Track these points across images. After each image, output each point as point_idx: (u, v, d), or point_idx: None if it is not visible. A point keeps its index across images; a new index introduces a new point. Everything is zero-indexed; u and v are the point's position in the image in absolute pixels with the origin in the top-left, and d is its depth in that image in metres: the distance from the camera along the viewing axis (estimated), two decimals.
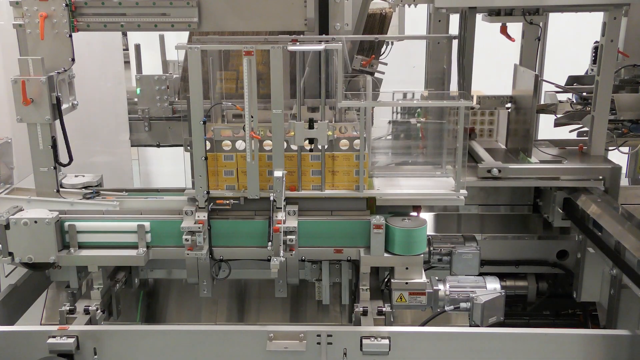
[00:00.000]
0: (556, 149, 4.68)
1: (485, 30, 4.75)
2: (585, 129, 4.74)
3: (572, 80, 4.91)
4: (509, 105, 4.83)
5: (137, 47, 5.06)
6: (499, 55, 5.31)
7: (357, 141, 3.55)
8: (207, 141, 3.53)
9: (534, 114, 4.39)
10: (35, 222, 3.50)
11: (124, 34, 6.16)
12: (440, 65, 4.55)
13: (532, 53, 4.91)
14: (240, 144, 3.55)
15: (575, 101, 4.80)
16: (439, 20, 4.57)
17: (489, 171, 4.14)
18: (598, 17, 4.39)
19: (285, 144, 3.53)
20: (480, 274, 3.72)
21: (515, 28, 4.79)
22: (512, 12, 4.36)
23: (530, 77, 4.38)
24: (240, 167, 3.58)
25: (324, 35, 3.64)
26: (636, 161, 5.22)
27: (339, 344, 3.38)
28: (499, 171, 4.13)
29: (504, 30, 4.55)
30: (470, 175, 4.17)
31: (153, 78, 4.75)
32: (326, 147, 3.54)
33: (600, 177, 4.23)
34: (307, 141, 3.54)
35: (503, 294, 3.48)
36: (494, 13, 4.40)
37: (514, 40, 4.71)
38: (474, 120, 4.83)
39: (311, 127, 3.50)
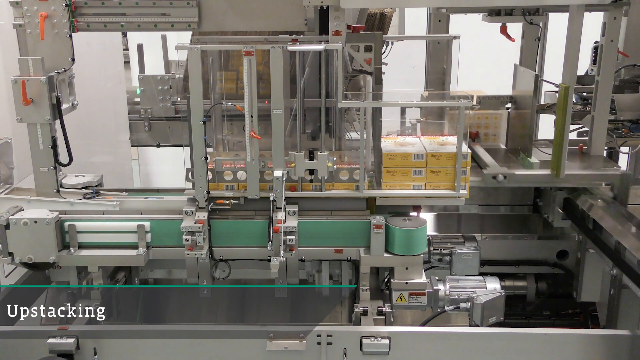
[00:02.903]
0: None
1: (484, 30, 4.75)
2: (585, 128, 4.74)
3: None
4: (509, 105, 4.82)
5: (140, 47, 5.05)
6: (499, 55, 5.29)
7: (357, 171, 3.54)
8: (209, 172, 3.55)
9: (534, 114, 4.39)
10: (35, 222, 3.50)
11: (124, 34, 6.15)
12: (440, 65, 4.54)
13: (532, 53, 4.89)
14: (241, 175, 3.56)
15: (575, 101, 4.79)
16: (439, 21, 4.56)
17: (495, 177, 4.09)
18: (598, 17, 4.38)
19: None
20: (480, 274, 3.72)
21: (515, 28, 4.79)
22: (512, 12, 4.37)
23: (530, 77, 4.38)
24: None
25: (324, 35, 3.64)
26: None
27: (339, 344, 3.38)
28: (505, 177, 4.09)
29: (504, 30, 4.55)
30: (474, 176, 4.08)
31: (155, 78, 4.74)
32: (326, 177, 3.55)
33: (608, 183, 4.19)
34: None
35: (503, 294, 3.48)
36: (494, 13, 4.39)
37: (514, 41, 4.71)
38: (477, 125, 4.80)
39: (311, 158, 3.50)
